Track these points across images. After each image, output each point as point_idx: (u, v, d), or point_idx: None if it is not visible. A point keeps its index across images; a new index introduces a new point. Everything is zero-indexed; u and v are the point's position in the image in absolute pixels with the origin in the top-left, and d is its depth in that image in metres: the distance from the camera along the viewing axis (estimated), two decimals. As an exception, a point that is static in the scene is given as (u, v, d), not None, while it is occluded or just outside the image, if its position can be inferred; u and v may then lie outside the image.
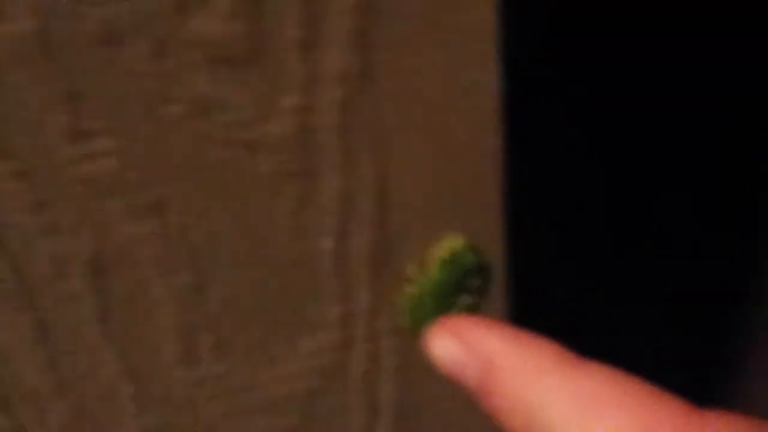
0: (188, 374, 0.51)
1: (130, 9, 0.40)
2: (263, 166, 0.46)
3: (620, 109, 0.91)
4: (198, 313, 0.49)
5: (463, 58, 0.45)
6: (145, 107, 0.43)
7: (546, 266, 0.95)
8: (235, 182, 0.46)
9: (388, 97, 0.45)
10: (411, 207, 0.48)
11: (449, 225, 0.50)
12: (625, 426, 0.33)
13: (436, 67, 0.45)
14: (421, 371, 0.54)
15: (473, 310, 0.53)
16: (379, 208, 0.48)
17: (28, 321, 0.48)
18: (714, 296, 0.94)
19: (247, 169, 0.45)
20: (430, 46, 0.44)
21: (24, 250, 0.45)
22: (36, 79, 0.41)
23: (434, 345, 0.38)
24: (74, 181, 0.44)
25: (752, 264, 0.91)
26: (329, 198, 0.47)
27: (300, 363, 0.52)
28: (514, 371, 0.36)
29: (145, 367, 0.50)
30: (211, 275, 0.48)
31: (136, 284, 0.47)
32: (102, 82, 0.42)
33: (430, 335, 0.39)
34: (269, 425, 0.54)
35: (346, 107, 0.45)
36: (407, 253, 0.50)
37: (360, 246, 0.49)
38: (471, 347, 0.37)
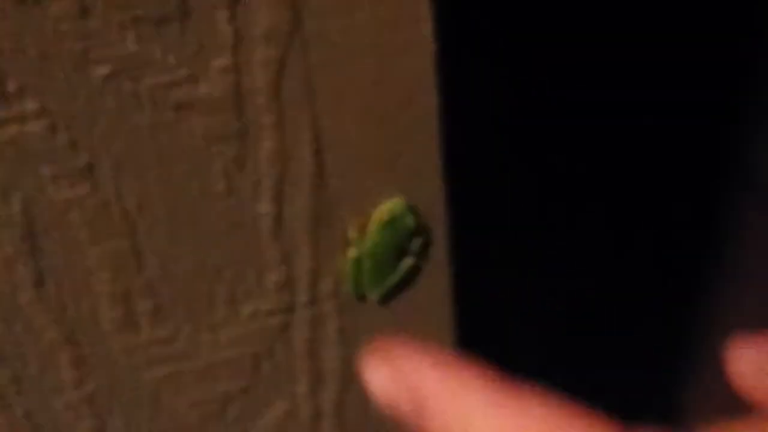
0: (128, 340, 0.51)
1: (51, -32, 0.40)
2: (195, 128, 0.45)
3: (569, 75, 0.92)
4: (135, 278, 0.49)
5: (395, 16, 0.44)
6: (72, 68, 0.42)
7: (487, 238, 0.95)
8: (167, 145, 0.45)
9: (320, 56, 0.44)
10: (348, 168, 0.48)
11: (388, 186, 0.49)
12: None
13: (369, 26, 0.44)
14: (365, 334, 0.54)
15: (414, 272, 0.53)
16: (315, 169, 0.48)
17: (-38, 288, 0.47)
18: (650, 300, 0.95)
19: (178, 131, 0.45)
20: (362, 4, 0.44)
21: (-46, 216, 0.45)
22: (-42, 41, 0.41)
23: (369, 376, 0.38)
24: (3, 144, 0.43)
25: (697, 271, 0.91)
26: (264, 160, 0.47)
27: (242, 328, 0.52)
28: (445, 410, 0.36)
29: (84, 333, 0.50)
30: (147, 240, 0.48)
31: (70, 249, 0.47)
32: (26, 42, 0.41)
33: (365, 362, 0.39)
34: (213, 391, 0.54)
35: (278, 67, 0.44)
36: (347, 215, 0.50)
37: (298, 209, 0.49)
38: (403, 383, 0.37)
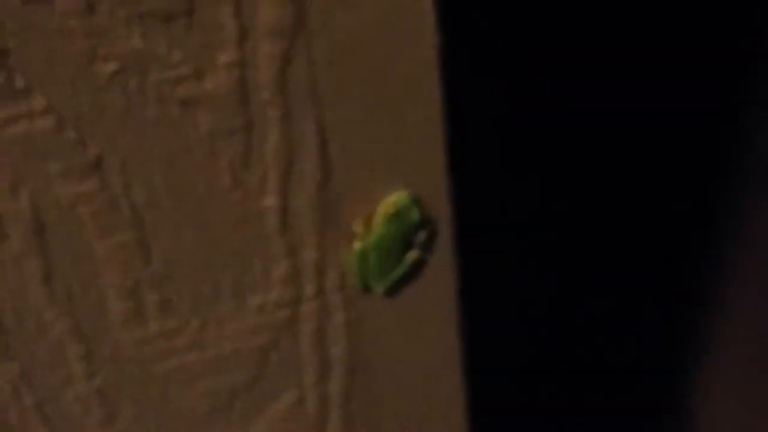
0: (136, 333, 0.51)
1: (57, -34, 0.40)
2: (201, 122, 0.45)
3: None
4: (142, 271, 0.49)
5: (399, 10, 0.45)
6: (79, 65, 0.43)
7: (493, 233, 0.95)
8: (173, 140, 0.46)
9: (325, 50, 0.45)
10: (353, 161, 0.48)
11: (394, 179, 0.50)
12: None
13: (373, 20, 0.44)
14: (371, 326, 0.55)
15: (419, 264, 0.53)
16: (321, 163, 0.48)
17: (-28, 283, 0.48)
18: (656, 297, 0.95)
19: (185, 126, 0.45)
20: (366, -1, 0.44)
21: (-37, 212, 0.45)
22: (-34, 39, 0.41)
23: None
24: (11, 141, 0.44)
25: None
26: (269, 154, 0.47)
27: (249, 320, 0.52)
28: None
29: (93, 326, 0.50)
30: (155, 234, 0.48)
31: (78, 244, 0.47)
32: (33, 40, 0.41)
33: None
34: (220, 382, 0.54)
35: (283, 62, 0.44)
36: (352, 208, 0.50)
37: (304, 202, 0.49)
38: None
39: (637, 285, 0.95)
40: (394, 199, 0.50)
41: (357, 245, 0.51)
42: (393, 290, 0.53)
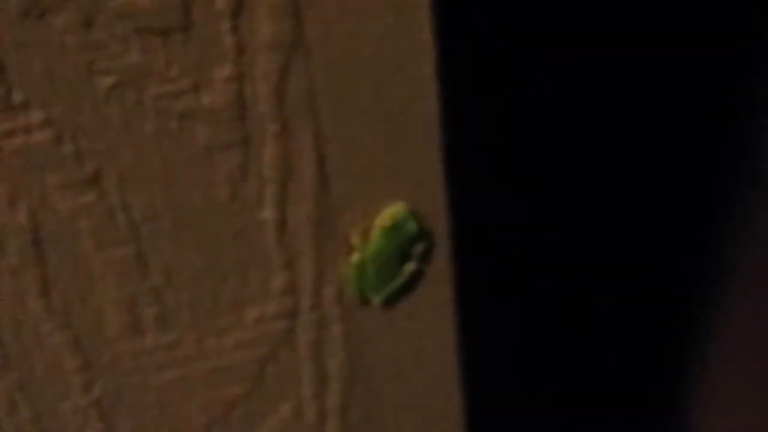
0: (134, 345, 0.51)
1: (55, -19, 0.40)
2: (200, 136, 0.45)
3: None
4: (140, 284, 0.49)
5: (396, 25, 0.45)
6: (77, 79, 0.43)
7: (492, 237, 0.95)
8: (172, 153, 0.46)
9: (322, 64, 0.45)
10: (351, 174, 0.49)
11: (391, 192, 0.50)
12: None
13: (370, 34, 0.45)
14: (369, 338, 0.55)
15: (417, 276, 0.53)
16: (318, 176, 0.48)
17: (-30, 296, 0.48)
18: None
19: (183, 139, 0.45)
20: (362, 13, 0.44)
21: (-38, 225, 0.45)
22: (-36, 54, 0.41)
23: None
24: (9, 154, 0.44)
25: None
26: (268, 167, 0.47)
27: (247, 332, 0.53)
28: None
29: (91, 339, 0.50)
30: (153, 247, 0.48)
31: (76, 257, 0.47)
32: (31, 54, 0.42)
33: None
34: (218, 394, 0.54)
35: (280, 75, 0.45)
36: (350, 221, 0.50)
37: (302, 215, 0.49)
38: None
39: (637, 285, 0.95)
40: (391, 211, 0.50)
41: (355, 257, 0.51)
42: (390, 302, 0.54)
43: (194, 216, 0.48)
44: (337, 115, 0.47)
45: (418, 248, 0.52)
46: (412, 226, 0.50)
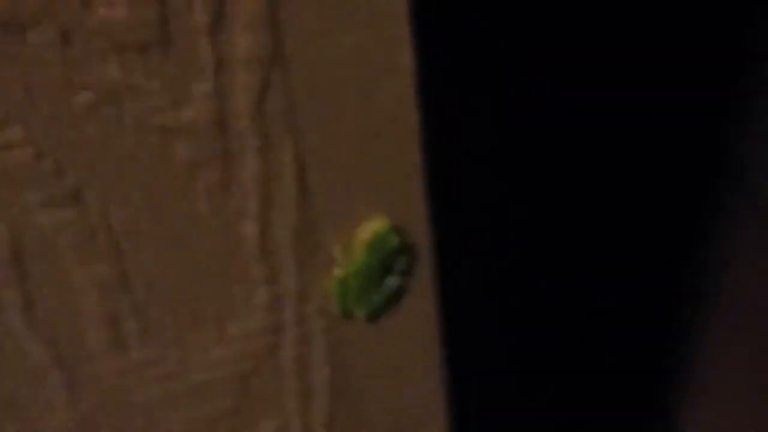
0: (117, 361, 0.51)
1: (33, -3, 0.40)
2: (180, 152, 0.46)
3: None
4: (122, 300, 0.49)
5: (375, 39, 0.45)
6: (56, 95, 0.43)
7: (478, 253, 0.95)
8: (152, 169, 0.46)
9: (302, 79, 0.45)
10: (332, 188, 0.49)
11: (372, 206, 0.50)
12: None
13: (349, 49, 0.45)
14: (353, 351, 0.55)
15: (400, 290, 0.53)
16: (300, 190, 0.48)
17: (-48, 313, 0.48)
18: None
19: (163, 155, 0.45)
20: (342, 27, 0.44)
21: (-58, 242, 0.45)
22: (-57, 70, 0.41)
23: None
24: (-11, 172, 0.44)
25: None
26: (249, 182, 0.47)
27: (230, 348, 0.52)
28: None
29: (73, 355, 0.50)
30: (134, 262, 0.48)
31: (57, 273, 0.47)
32: (9, 71, 0.42)
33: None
34: (203, 410, 0.54)
35: (260, 90, 0.45)
36: (332, 235, 0.50)
37: (283, 229, 0.49)
38: None
39: (636, 285, 0.95)
40: (373, 225, 0.50)
41: (337, 272, 0.51)
42: (374, 316, 0.54)
43: (176, 231, 0.48)
44: (318, 129, 0.47)
45: (401, 262, 0.52)
46: (394, 240, 0.50)
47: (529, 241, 0.99)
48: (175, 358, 0.52)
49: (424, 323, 0.55)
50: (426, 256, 0.52)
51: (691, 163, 0.87)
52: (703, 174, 0.85)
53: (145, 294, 0.49)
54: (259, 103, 0.45)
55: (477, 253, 0.92)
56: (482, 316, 0.95)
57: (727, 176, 0.82)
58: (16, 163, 0.44)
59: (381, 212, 0.50)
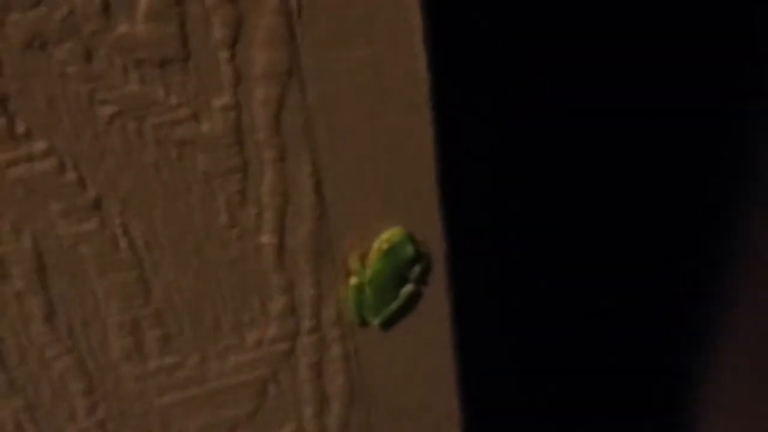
0: (137, 368, 0.52)
1: (55, 14, 0.41)
2: (199, 164, 0.46)
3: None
4: (143, 308, 0.50)
5: (391, 53, 0.46)
6: (78, 109, 0.44)
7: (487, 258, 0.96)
8: (172, 181, 0.47)
9: (318, 92, 0.46)
10: (348, 199, 0.49)
11: (388, 216, 0.51)
12: None
13: (365, 62, 0.46)
14: (368, 359, 0.55)
15: (415, 298, 0.54)
16: (316, 201, 0.49)
17: (-24, 321, 0.49)
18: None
19: (183, 167, 0.46)
20: (357, 42, 0.45)
21: (-33, 252, 0.46)
22: (-32, 86, 0.42)
23: None
24: (13, 183, 0.45)
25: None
26: (266, 193, 0.48)
27: (248, 354, 0.53)
28: None
29: (94, 362, 0.51)
30: (154, 272, 0.49)
31: (79, 282, 0.48)
32: (33, 85, 0.43)
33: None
34: (220, 416, 0.55)
35: (277, 103, 0.46)
36: (348, 245, 0.51)
37: (300, 239, 0.50)
38: None
39: (637, 285, 0.95)
40: (388, 235, 0.51)
41: (353, 281, 0.52)
42: (389, 324, 0.54)
43: (194, 241, 0.49)
44: (334, 140, 0.48)
45: (416, 271, 0.53)
46: (409, 249, 0.51)
47: (529, 241, 0.99)
48: (193, 366, 0.53)
49: (439, 330, 0.56)
50: (440, 265, 0.53)
51: (691, 163, 0.87)
52: (703, 174, 0.85)
53: (165, 302, 0.50)
54: (276, 116, 0.46)
55: (477, 253, 0.93)
56: (482, 316, 0.96)
57: (743, 172, 0.82)
58: (40, 175, 0.45)
59: (396, 222, 0.51)
